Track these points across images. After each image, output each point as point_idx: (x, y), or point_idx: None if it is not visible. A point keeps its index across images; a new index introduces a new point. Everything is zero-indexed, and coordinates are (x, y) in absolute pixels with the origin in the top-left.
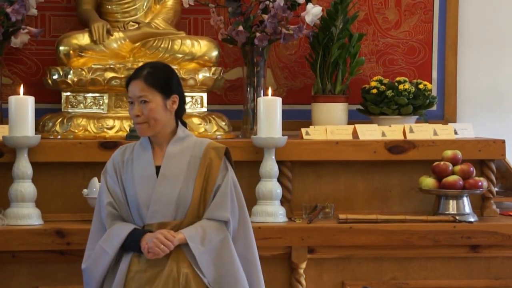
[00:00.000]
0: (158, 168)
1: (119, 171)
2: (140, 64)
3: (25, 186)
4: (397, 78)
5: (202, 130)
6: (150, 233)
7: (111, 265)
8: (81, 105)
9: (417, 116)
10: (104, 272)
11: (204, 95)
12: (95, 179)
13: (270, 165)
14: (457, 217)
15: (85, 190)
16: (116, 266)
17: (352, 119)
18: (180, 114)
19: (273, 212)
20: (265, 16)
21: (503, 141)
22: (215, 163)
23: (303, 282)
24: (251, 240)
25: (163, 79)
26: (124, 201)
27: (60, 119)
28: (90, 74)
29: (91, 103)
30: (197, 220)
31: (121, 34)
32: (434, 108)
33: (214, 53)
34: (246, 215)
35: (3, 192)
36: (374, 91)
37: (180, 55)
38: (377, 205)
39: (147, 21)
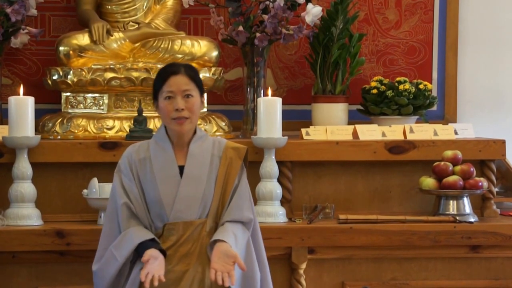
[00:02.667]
0: (180, 168)
1: (136, 170)
2: (140, 64)
3: (25, 186)
4: (397, 78)
5: None
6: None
7: (120, 271)
8: (81, 105)
9: (417, 116)
10: (113, 277)
11: (204, 95)
12: (95, 180)
13: (270, 166)
14: (457, 218)
15: (85, 191)
16: (131, 267)
17: (352, 119)
18: None
19: (273, 213)
20: (265, 17)
21: (504, 141)
22: (235, 163)
23: (303, 282)
24: (260, 240)
25: (199, 77)
26: (142, 201)
27: (60, 120)
28: (90, 74)
29: (91, 104)
30: (217, 219)
31: (121, 35)
32: (434, 108)
33: (214, 54)
34: (255, 216)
35: (3, 193)
36: (374, 91)
37: (180, 55)
38: (377, 206)
39: (147, 21)
